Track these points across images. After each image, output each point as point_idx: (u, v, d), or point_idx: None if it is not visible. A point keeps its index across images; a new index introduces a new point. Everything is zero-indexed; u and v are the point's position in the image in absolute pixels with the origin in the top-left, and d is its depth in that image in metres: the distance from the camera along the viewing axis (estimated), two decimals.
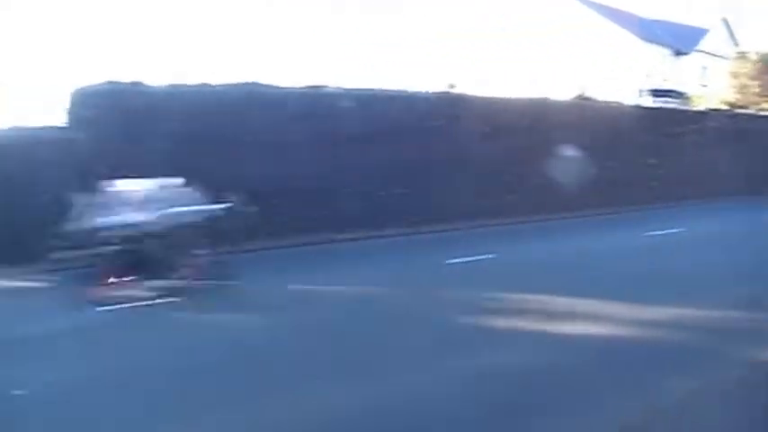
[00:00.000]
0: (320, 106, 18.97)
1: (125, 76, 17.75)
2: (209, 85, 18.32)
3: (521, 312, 10.21)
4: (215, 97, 17.82)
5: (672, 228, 19.44)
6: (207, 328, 10.07)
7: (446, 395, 6.92)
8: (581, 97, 26.07)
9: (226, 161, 16.76)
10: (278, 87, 19.07)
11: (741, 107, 38.43)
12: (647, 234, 18.66)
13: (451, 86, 27.66)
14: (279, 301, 11.34)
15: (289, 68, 53.83)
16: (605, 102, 26.89)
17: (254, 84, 18.77)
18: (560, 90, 29.55)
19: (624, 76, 44.13)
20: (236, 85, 18.49)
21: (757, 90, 42.06)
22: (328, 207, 18.64)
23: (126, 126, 16.31)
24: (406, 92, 21.13)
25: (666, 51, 51.26)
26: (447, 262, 14.50)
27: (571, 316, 9.90)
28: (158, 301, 11.21)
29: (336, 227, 18.46)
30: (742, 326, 9.49)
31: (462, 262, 14.39)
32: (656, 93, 43.32)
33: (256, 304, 11.09)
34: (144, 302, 11.04)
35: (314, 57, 72.99)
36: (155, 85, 17.78)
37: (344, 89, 20.34)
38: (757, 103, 40.92)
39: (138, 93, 17.21)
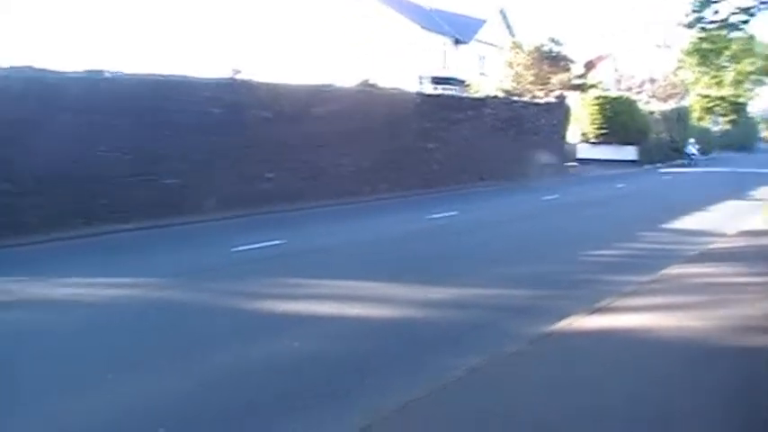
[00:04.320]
0: (99, 92, 18.07)
1: None
2: None
3: (307, 298, 10.09)
4: None
5: (450, 211, 20.13)
6: None
7: (218, 388, 6.69)
8: (365, 84, 26.44)
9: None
10: (54, 72, 17.91)
11: (516, 95, 40.41)
12: (428, 217, 19.24)
13: (236, 72, 27.29)
14: (61, 295, 10.65)
15: (70, 53, 51.56)
16: (388, 88, 27.43)
17: (29, 68, 17.52)
18: (345, 76, 29.89)
19: (406, 64, 45.27)
20: (8, 69, 17.22)
21: (531, 79, 44.41)
22: (110, 196, 17.85)
23: None
24: (187, 77, 20.58)
25: (447, 40, 53.05)
26: (233, 249, 14.25)
27: (357, 299, 9.89)
28: None
29: (115, 216, 17.72)
30: (518, 302, 9.90)
31: (248, 249, 14.19)
32: (437, 80, 44.82)
33: (41, 300, 10.40)
34: None
35: (96, 40, 70.18)
36: None
37: (125, 74, 19.54)
38: (531, 91, 43.22)
39: None
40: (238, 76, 23.97)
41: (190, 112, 19.80)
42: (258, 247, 14.34)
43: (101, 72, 18.67)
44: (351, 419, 5.70)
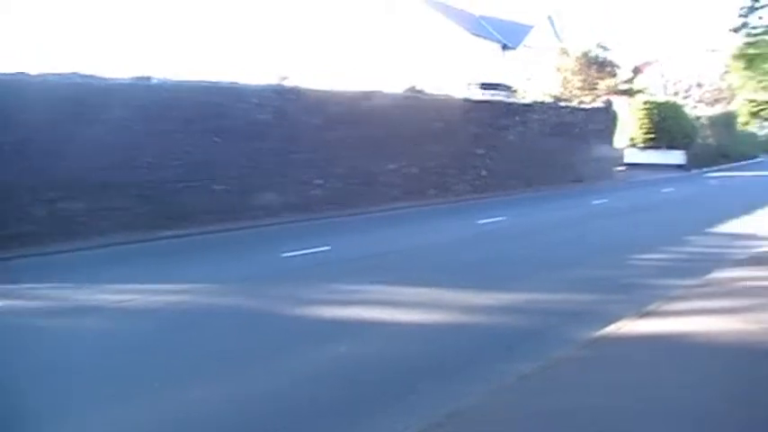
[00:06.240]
0: (146, 98, 18.35)
1: None
2: (27, 75, 17.18)
3: (356, 303, 10.16)
4: (32, 88, 16.75)
5: (498, 216, 20.13)
6: None
7: (274, 394, 6.73)
8: (412, 90, 26.56)
9: (41, 154, 16.26)
10: (102, 78, 18.22)
11: (564, 100, 40.19)
12: (477, 222, 19.32)
13: (284, 78, 27.62)
14: (113, 301, 10.86)
15: (118, 59, 52.38)
16: (436, 94, 27.51)
17: (76, 74, 17.85)
18: (392, 83, 29.97)
19: (454, 70, 45.15)
20: (58, 76, 17.53)
21: (578, 84, 44.11)
22: (154, 202, 18.15)
23: None
24: (235, 84, 20.85)
25: (495, 46, 52.78)
26: (282, 255, 14.39)
27: (407, 305, 9.95)
28: None
29: (164, 223, 17.99)
30: (568, 307, 9.89)
31: (298, 255, 14.31)
32: (485, 86, 44.61)
33: (95, 306, 10.62)
34: None
35: (143, 47, 71.09)
36: None
37: (171, 81, 19.85)
38: (578, 97, 42.93)
39: None
40: (286, 83, 24.25)
41: (238, 118, 20.08)
42: (308, 253, 14.48)
43: (148, 78, 18.97)
44: (401, 426, 5.69)
